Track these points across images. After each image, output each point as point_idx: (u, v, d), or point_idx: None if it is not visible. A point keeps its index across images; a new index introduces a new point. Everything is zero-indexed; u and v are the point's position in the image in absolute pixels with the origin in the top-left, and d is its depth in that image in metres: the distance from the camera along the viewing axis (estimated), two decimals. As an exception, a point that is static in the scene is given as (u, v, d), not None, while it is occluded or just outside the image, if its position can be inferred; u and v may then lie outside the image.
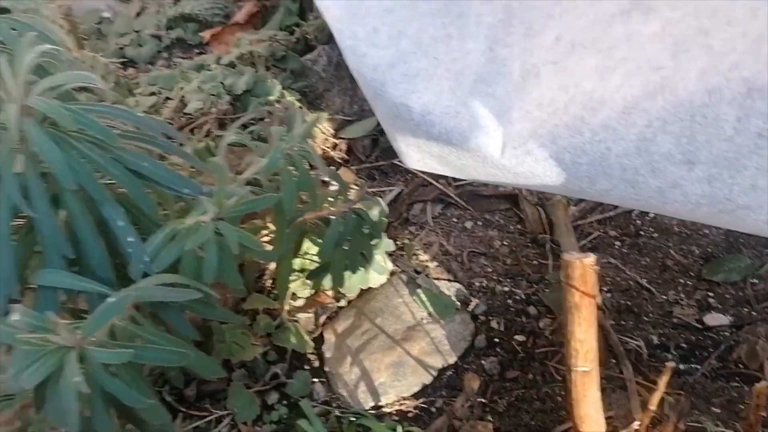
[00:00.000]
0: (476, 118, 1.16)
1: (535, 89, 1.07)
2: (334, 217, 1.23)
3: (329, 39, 2.10)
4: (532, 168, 1.09)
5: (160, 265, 0.90)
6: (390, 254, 1.58)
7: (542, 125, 1.07)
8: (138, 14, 2.43)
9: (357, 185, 1.86)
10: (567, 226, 1.22)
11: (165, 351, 0.82)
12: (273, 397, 1.36)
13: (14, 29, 0.98)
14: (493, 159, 1.14)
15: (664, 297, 1.49)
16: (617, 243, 1.67)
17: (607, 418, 1.20)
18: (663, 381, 1.02)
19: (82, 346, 0.77)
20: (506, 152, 1.12)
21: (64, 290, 0.97)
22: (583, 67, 1.02)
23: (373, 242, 1.29)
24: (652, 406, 1.01)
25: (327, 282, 1.39)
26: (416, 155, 1.42)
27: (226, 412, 1.33)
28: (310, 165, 1.17)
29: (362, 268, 1.31)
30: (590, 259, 1.01)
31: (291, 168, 1.10)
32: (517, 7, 1.13)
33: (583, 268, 1.00)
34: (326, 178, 1.40)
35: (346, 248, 1.25)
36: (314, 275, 1.31)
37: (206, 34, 2.34)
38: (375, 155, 1.98)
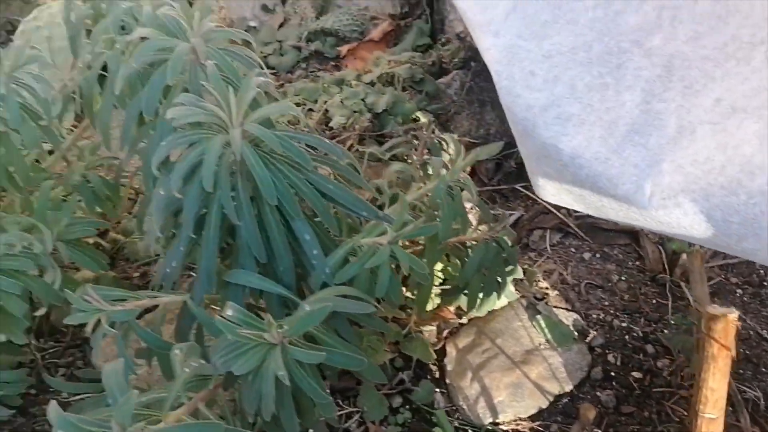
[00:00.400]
0: (626, 166, 1.22)
1: (691, 145, 1.13)
2: (476, 243, 1.33)
3: (463, 65, 2.19)
4: (679, 220, 1.14)
5: (341, 278, 1.03)
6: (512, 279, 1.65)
7: (695, 181, 1.12)
8: (281, 25, 2.60)
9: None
10: (701, 276, 1.26)
11: (347, 356, 0.93)
12: (397, 401, 1.47)
13: (228, 57, 1.13)
14: (638, 206, 1.20)
15: (786, 352, 1.50)
16: (738, 291, 1.68)
17: (725, 465, 1.24)
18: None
19: (283, 344, 0.90)
20: (653, 201, 1.17)
21: (249, 289, 1.11)
22: (744, 131, 1.07)
23: (508, 269, 1.37)
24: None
25: (460, 303, 1.49)
26: (553, 190, 1.49)
27: (356, 409, 1.45)
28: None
29: (495, 293, 1.40)
30: (734, 314, 1.06)
31: (449, 197, 1.20)
32: (677, 66, 1.19)
33: (726, 323, 1.05)
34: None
35: (485, 273, 1.35)
36: (449, 294, 1.41)
37: (343, 49, 2.48)
38: (497, 179, 2.06)
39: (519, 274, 1.50)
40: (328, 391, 0.99)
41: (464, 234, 1.31)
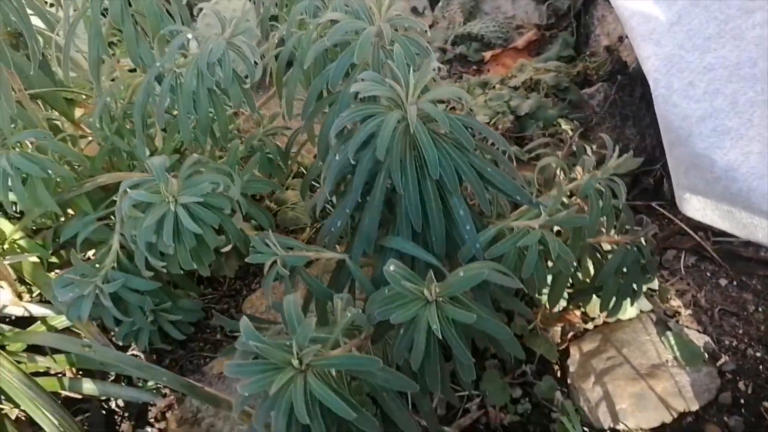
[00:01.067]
0: (786, 184, 1.20)
1: None
2: (616, 246, 1.35)
3: (609, 77, 2.20)
4: (841, 243, 1.11)
5: (491, 255, 1.09)
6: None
7: None
8: (430, 26, 2.72)
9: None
10: None
11: (498, 325, 1.00)
12: (517, 392, 1.51)
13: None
14: (795, 226, 1.18)
15: None
16: None
17: None
18: None
19: (438, 301, 0.98)
20: (807, 220, 1.15)
21: (401, 256, 1.20)
22: None
23: (646, 277, 1.38)
24: None
25: (593, 306, 1.51)
26: (699, 204, 1.48)
27: (477, 393, 1.50)
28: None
29: (629, 299, 1.41)
30: None
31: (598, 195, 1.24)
32: None
33: None
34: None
35: (621, 277, 1.36)
36: (582, 295, 1.44)
37: (487, 54, 2.55)
38: (633, 194, 2.05)
39: (654, 284, 1.50)
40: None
41: (604, 236, 1.34)
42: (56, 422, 1.16)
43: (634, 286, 1.40)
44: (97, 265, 1.16)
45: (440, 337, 0.96)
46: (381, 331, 1.10)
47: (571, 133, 2.05)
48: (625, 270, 1.36)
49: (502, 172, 1.15)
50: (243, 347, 0.96)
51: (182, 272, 1.20)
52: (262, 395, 0.96)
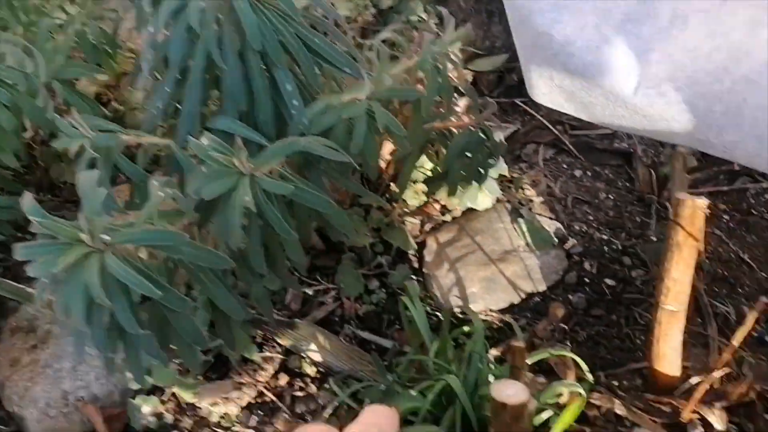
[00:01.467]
0: (616, 55, 1.21)
1: (681, 34, 1.12)
2: (461, 130, 1.34)
3: (477, -26, 2.15)
4: (663, 111, 1.14)
5: (317, 128, 1.04)
6: (499, 183, 1.67)
7: (682, 69, 1.11)
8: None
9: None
10: (682, 179, 1.27)
11: (317, 196, 0.96)
12: (374, 284, 1.50)
13: None
14: (624, 97, 1.20)
15: (764, 274, 1.51)
16: (726, 217, 1.69)
17: (684, 368, 1.27)
18: (743, 330, 1.07)
19: (253, 174, 0.92)
20: (639, 91, 1.17)
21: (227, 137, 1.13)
22: (735, 18, 1.06)
23: (491, 160, 1.38)
24: (732, 347, 1.07)
25: (441, 192, 1.51)
26: (545, 88, 1.48)
27: (333, 286, 1.49)
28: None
29: (476, 183, 1.41)
30: (702, 201, 1.06)
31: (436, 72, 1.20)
32: (677, -46, 1.16)
33: (693, 209, 1.06)
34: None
35: (467, 161, 1.36)
36: (432, 182, 1.43)
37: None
38: (498, 92, 2.05)
39: (504, 170, 1.51)
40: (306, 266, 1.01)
41: (448, 120, 1.32)
42: None
43: (480, 169, 1.40)
44: None
45: (254, 211, 0.91)
46: (206, 215, 1.04)
47: (434, 27, 2.00)
48: (470, 154, 1.35)
49: (331, 43, 1.09)
50: (36, 230, 0.88)
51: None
52: (59, 282, 0.88)
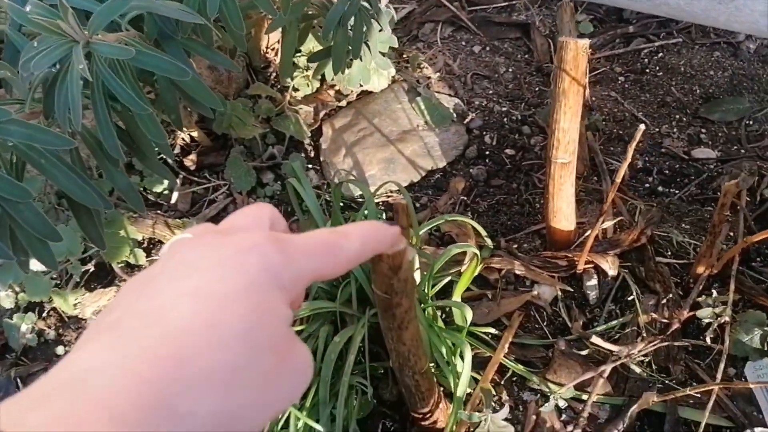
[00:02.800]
0: None
1: None
2: (341, -2, 1.23)
3: None
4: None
5: (165, -10, 0.92)
6: (395, 64, 1.59)
7: None
8: None
9: None
10: (570, 28, 1.22)
11: (165, 61, 0.85)
12: (268, 177, 1.42)
13: None
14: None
15: (657, 129, 1.52)
16: (621, 78, 1.67)
17: (579, 224, 1.26)
18: (623, 169, 1.06)
19: (89, 41, 0.81)
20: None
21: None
22: None
23: (379, 32, 1.29)
24: (613, 189, 1.06)
25: (329, 71, 1.42)
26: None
27: (224, 182, 1.40)
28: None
29: (363, 57, 1.32)
30: (585, 42, 1.02)
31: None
32: None
33: (576, 51, 1.01)
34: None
35: (350, 32, 1.26)
36: (316, 57, 1.33)
37: None
38: (392, -27, 1.93)
39: (394, 42, 1.42)
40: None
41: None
42: None
43: (366, 43, 1.30)
44: None
45: (91, 80, 0.80)
46: (49, 101, 0.92)
47: None
48: (352, 23, 1.25)
49: None
50: None
51: None
52: None
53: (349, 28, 1.25)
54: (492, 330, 1.15)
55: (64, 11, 0.78)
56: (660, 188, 1.38)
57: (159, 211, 1.31)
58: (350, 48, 1.29)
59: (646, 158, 1.45)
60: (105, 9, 0.80)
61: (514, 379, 1.12)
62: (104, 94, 0.86)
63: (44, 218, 0.83)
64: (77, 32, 0.81)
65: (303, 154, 1.47)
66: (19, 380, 1.12)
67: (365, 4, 1.25)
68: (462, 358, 1.00)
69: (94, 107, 0.87)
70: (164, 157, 1.32)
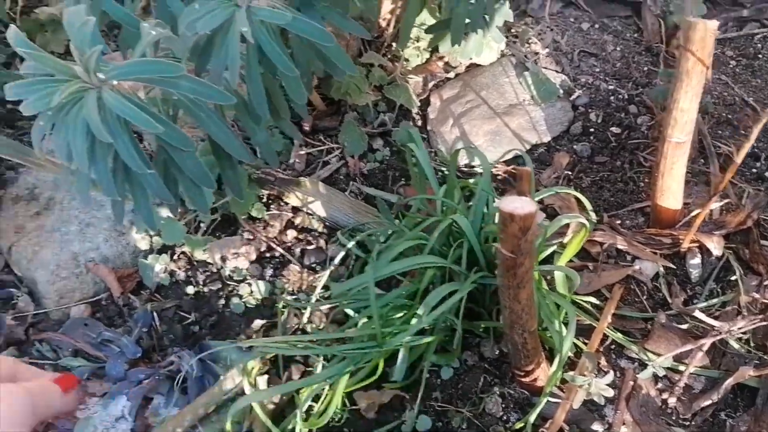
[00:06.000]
0: None
1: None
2: (463, -29, 1.27)
3: None
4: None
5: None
6: (504, 38, 1.61)
7: None
8: None
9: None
10: (695, 7, 1.22)
11: (315, 27, 0.92)
12: (378, 143, 1.49)
13: None
14: None
15: (770, 115, 1.49)
16: (732, 62, 1.64)
17: (685, 204, 1.27)
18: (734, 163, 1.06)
19: (249, 6, 0.89)
20: None
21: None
22: None
23: (497, 5, 1.33)
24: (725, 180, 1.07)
25: (445, 43, 1.47)
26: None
27: (337, 145, 1.48)
28: None
29: (481, 31, 1.36)
30: (713, 23, 1.02)
31: None
32: None
33: (704, 32, 1.02)
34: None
35: (471, 5, 1.30)
36: (435, 29, 1.38)
37: None
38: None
39: (509, 15, 1.45)
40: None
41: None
42: None
43: (486, 16, 1.34)
44: None
45: (252, 42, 0.88)
46: (202, 60, 1.01)
47: None
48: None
49: None
50: (27, 69, 0.86)
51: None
52: (57, 122, 0.87)
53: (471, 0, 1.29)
54: (592, 299, 1.19)
55: (231, -21, 0.87)
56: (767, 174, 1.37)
57: (278, 170, 1.40)
58: (469, 20, 1.33)
59: (755, 144, 1.44)
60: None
61: (612, 347, 1.16)
62: (258, 56, 0.95)
63: (202, 166, 0.93)
64: (241, -2, 0.89)
65: (411, 122, 1.53)
66: (155, 314, 1.25)
67: (486, -22, 1.29)
68: (565, 323, 1.05)
69: (247, 68, 0.96)
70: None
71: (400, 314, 1.10)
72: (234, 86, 0.94)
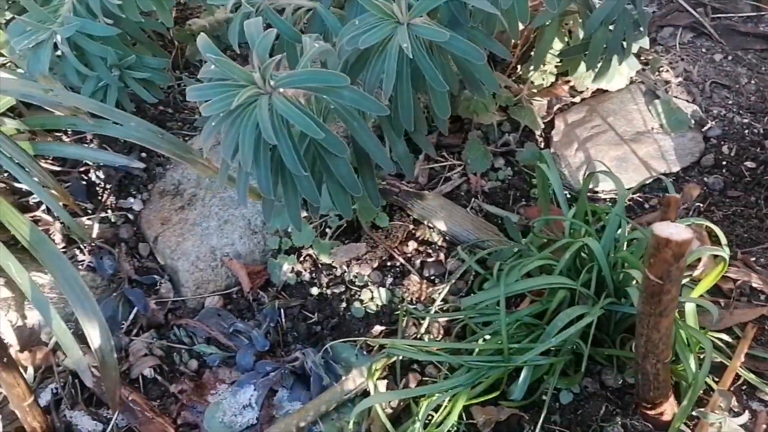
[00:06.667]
0: None
1: None
2: (605, -3, 1.28)
3: None
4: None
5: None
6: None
7: None
8: None
9: None
10: None
11: (470, 45, 0.96)
12: (500, 162, 1.51)
13: None
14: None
15: None
16: None
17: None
18: None
19: (410, 23, 0.93)
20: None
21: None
22: None
23: (636, 32, 1.32)
24: None
25: (577, 68, 1.47)
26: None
27: (459, 162, 1.50)
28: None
29: (616, 57, 1.36)
30: None
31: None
32: None
33: None
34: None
35: (610, 31, 1.30)
36: (568, 53, 1.39)
37: None
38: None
39: (645, 43, 1.44)
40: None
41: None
42: (38, 180, 1.16)
43: (623, 42, 1.34)
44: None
45: (410, 57, 0.93)
46: (353, 73, 1.06)
47: None
48: (613, 22, 1.29)
49: None
50: (205, 74, 0.94)
51: (142, 30, 1.14)
52: (227, 124, 0.94)
53: (610, 27, 1.29)
54: (723, 336, 1.15)
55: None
56: None
57: (402, 182, 1.44)
58: (605, 47, 1.33)
59: None
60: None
61: (744, 387, 1.11)
62: (411, 71, 0.99)
63: (353, 173, 0.98)
64: (402, 14, 0.94)
65: (534, 144, 1.54)
66: (282, 311, 1.31)
67: (629, 6, 1.29)
68: (699, 357, 1.03)
69: (399, 82, 1.00)
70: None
71: (525, 332, 1.10)
72: (387, 98, 0.99)
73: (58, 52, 1.16)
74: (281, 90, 0.92)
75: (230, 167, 1.03)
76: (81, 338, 1.13)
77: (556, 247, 1.13)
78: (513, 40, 1.43)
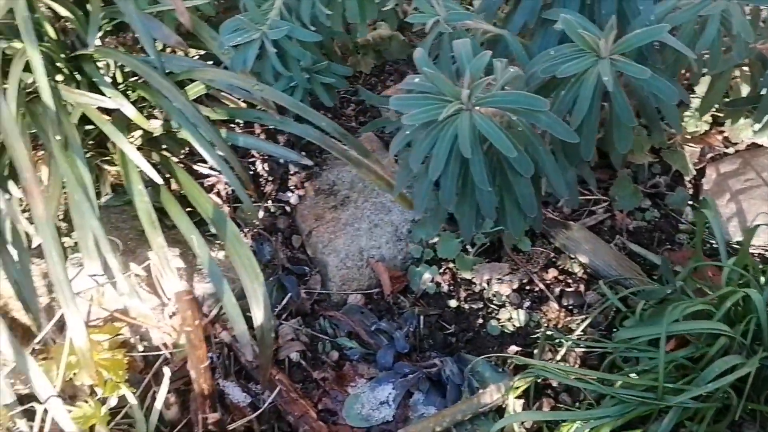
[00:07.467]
0: None
1: None
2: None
3: None
4: None
5: (671, 22, 1.04)
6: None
7: None
8: None
9: None
10: None
11: (667, 85, 0.98)
12: (646, 203, 1.51)
13: None
14: None
15: None
16: None
17: None
18: None
19: (611, 57, 0.97)
20: None
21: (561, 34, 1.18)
22: None
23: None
24: None
25: (740, 120, 1.46)
26: None
27: (605, 198, 1.52)
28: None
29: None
30: None
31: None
32: None
33: None
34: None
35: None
36: (736, 104, 1.38)
37: None
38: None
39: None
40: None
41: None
42: (222, 154, 1.25)
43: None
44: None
45: (609, 90, 0.96)
46: (546, 90, 1.10)
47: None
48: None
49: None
50: (408, 86, 1.01)
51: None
52: (422, 134, 1.00)
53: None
54: None
55: (609, 31, 0.95)
56: None
57: (548, 209, 1.47)
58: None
59: None
60: (639, 35, 0.96)
61: None
62: (599, 103, 1.03)
63: (533, 195, 1.02)
64: (607, 49, 0.97)
65: (684, 189, 1.53)
66: (421, 318, 1.37)
67: (809, 62, 1.27)
68: None
69: (588, 112, 1.04)
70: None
71: (676, 375, 1.10)
72: (574, 127, 1.02)
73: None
74: (478, 108, 0.97)
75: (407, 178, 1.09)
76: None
77: (718, 294, 1.12)
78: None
